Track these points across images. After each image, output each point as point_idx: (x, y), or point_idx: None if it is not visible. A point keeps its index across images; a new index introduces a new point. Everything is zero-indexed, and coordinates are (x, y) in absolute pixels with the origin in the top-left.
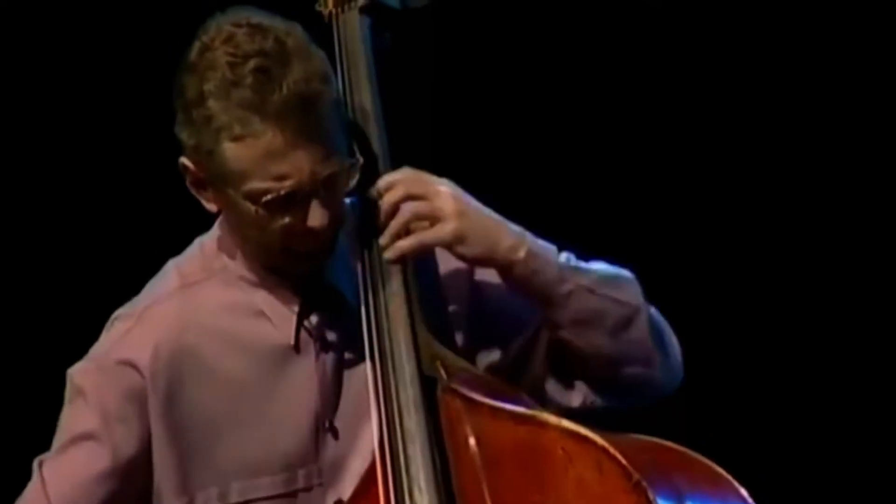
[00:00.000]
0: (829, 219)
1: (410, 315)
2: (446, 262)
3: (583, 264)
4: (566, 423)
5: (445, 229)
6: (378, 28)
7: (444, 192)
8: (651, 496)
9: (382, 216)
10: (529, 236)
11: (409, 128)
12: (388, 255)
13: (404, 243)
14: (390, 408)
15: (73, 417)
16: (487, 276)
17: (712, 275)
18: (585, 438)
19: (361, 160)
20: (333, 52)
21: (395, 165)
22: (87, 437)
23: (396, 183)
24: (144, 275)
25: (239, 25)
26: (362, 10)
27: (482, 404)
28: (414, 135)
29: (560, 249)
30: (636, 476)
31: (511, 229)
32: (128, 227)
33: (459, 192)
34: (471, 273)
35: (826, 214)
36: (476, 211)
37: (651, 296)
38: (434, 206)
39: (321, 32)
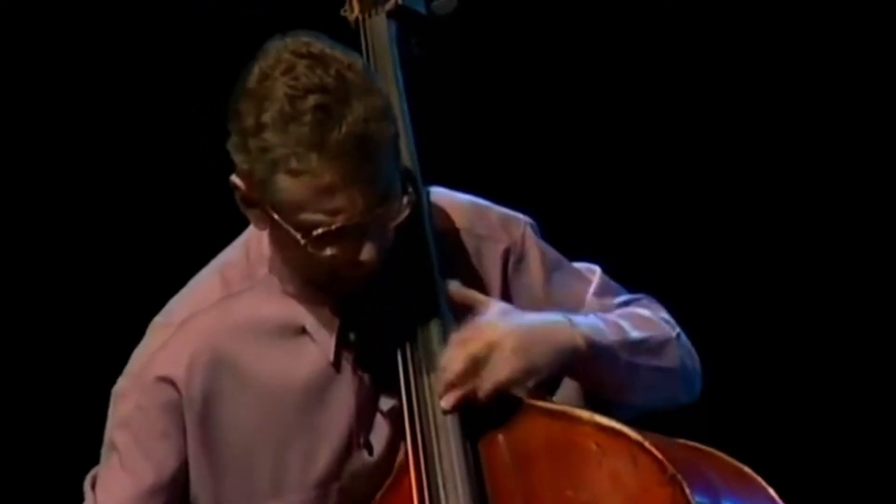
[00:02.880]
0: (833, 219)
1: (443, 324)
2: (474, 268)
3: (628, 331)
4: (599, 418)
5: (515, 373)
6: (404, 34)
7: (496, 340)
8: (687, 489)
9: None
10: (577, 321)
11: (436, 134)
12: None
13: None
14: (422, 401)
15: (118, 435)
16: (517, 286)
17: (721, 275)
18: (619, 432)
19: (413, 192)
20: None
21: (423, 171)
22: (131, 454)
23: (452, 367)
24: (178, 272)
25: (300, 55)
26: (390, 15)
27: (513, 400)
28: (442, 141)
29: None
30: (671, 469)
31: (561, 330)
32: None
33: (504, 321)
34: (503, 283)
35: (832, 214)
36: (528, 332)
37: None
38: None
39: (347, 38)
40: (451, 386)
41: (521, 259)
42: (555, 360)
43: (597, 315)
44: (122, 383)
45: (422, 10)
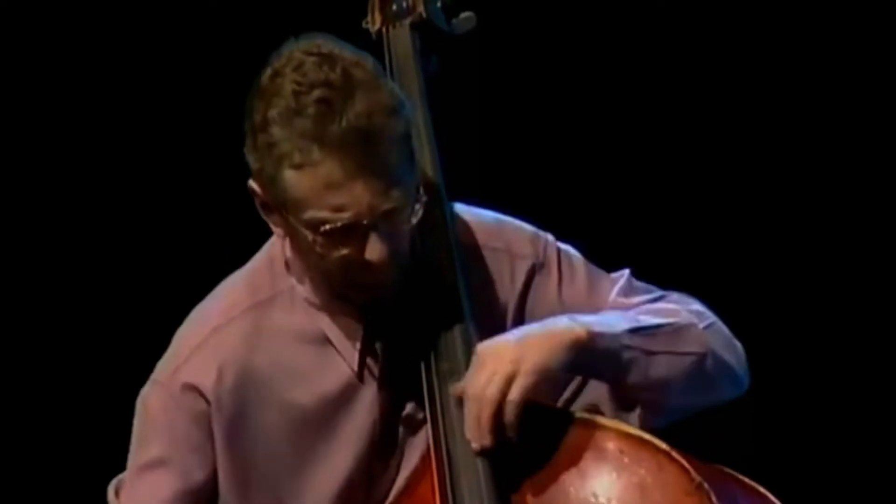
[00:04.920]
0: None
1: (467, 335)
2: (494, 283)
3: (642, 320)
4: (625, 427)
5: (526, 384)
6: (426, 50)
7: (504, 362)
8: (714, 498)
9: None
10: (580, 317)
11: (456, 150)
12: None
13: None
14: (446, 411)
15: (145, 443)
16: (539, 301)
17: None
18: (645, 441)
19: (425, 196)
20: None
21: (446, 182)
22: (158, 463)
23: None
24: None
25: (310, 53)
26: (413, 27)
27: (538, 407)
28: (461, 157)
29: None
30: (698, 478)
31: (559, 327)
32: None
33: (511, 339)
34: (523, 299)
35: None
36: (525, 336)
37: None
38: (505, 378)
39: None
40: (477, 421)
41: (544, 273)
42: (556, 353)
43: (611, 311)
44: (148, 390)
45: (443, 24)
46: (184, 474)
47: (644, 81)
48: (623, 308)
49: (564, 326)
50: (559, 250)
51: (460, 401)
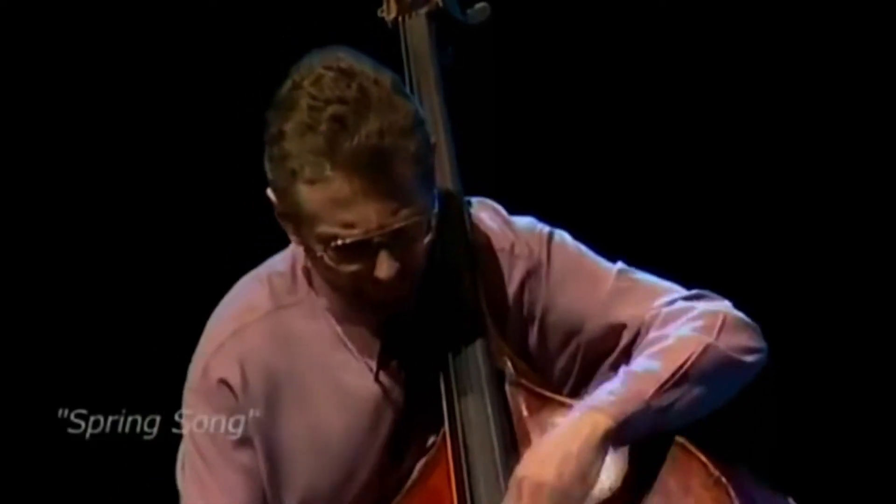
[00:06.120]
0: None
1: (486, 345)
2: (503, 286)
3: (650, 372)
4: None
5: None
6: (441, 40)
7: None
8: (732, 492)
9: None
10: (603, 401)
11: (470, 143)
12: None
13: None
14: (466, 421)
15: (199, 443)
16: (534, 300)
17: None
18: (664, 435)
19: (442, 207)
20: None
21: (462, 174)
22: (214, 459)
23: None
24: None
25: (329, 68)
26: (429, 16)
27: (550, 399)
28: (475, 150)
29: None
30: (716, 473)
31: (586, 432)
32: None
33: (548, 468)
34: (521, 299)
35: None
36: (568, 461)
37: None
38: None
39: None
40: None
41: (540, 275)
42: (593, 465)
43: (622, 375)
44: (189, 397)
45: (459, 15)
46: (243, 468)
47: (658, 77)
48: (619, 313)
49: (591, 426)
50: (558, 250)
51: (480, 414)
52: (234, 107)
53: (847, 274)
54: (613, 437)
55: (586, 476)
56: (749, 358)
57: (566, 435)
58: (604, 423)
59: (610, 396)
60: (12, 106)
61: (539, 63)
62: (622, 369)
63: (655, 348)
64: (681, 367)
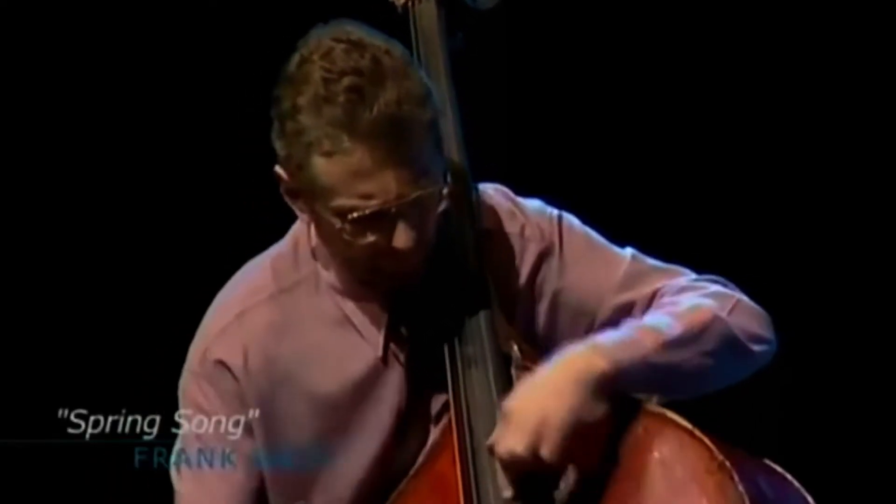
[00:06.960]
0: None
1: (490, 319)
2: (513, 268)
3: (665, 331)
4: (647, 405)
5: (553, 446)
6: (451, 25)
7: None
8: (736, 476)
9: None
10: (602, 342)
11: (481, 129)
12: None
13: None
14: (470, 394)
15: (195, 425)
16: (546, 282)
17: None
18: (668, 419)
19: (452, 182)
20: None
21: (472, 160)
22: (208, 442)
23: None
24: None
25: (339, 40)
26: (438, 1)
27: None
28: (487, 135)
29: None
30: (720, 457)
31: (581, 365)
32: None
33: (536, 394)
34: (532, 282)
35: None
36: (557, 395)
37: None
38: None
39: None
40: (507, 476)
41: (552, 257)
42: (583, 403)
43: (629, 325)
44: (187, 379)
45: (468, 0)
46: (240, 450)
47: (672, 60)
48: (633, 296)
49: (586, 363)
50: (570, 232)
51: (485, 393)
52: (240, 99)
53: (852, 270)
54: (607, 381)
55: (576, 411)
56: (756, 347)
57: (559, 369)
58: (599, 363)
59: (611, 339)
60: (12, 106)
61: (550, 51)
62: (629, 320)
63: (666, 309)
64: (688, 329)
